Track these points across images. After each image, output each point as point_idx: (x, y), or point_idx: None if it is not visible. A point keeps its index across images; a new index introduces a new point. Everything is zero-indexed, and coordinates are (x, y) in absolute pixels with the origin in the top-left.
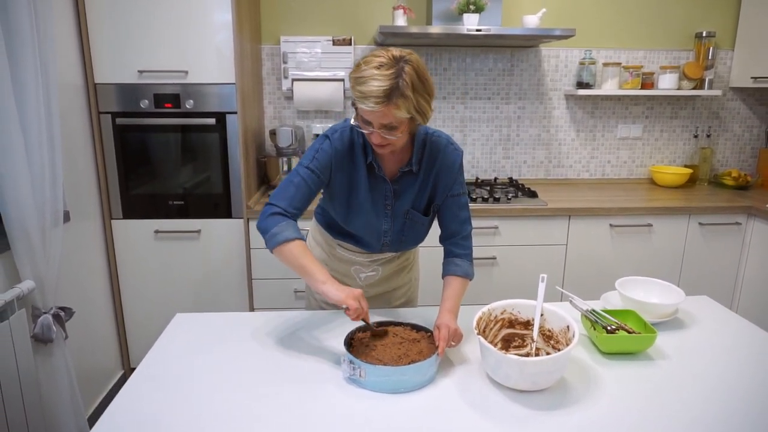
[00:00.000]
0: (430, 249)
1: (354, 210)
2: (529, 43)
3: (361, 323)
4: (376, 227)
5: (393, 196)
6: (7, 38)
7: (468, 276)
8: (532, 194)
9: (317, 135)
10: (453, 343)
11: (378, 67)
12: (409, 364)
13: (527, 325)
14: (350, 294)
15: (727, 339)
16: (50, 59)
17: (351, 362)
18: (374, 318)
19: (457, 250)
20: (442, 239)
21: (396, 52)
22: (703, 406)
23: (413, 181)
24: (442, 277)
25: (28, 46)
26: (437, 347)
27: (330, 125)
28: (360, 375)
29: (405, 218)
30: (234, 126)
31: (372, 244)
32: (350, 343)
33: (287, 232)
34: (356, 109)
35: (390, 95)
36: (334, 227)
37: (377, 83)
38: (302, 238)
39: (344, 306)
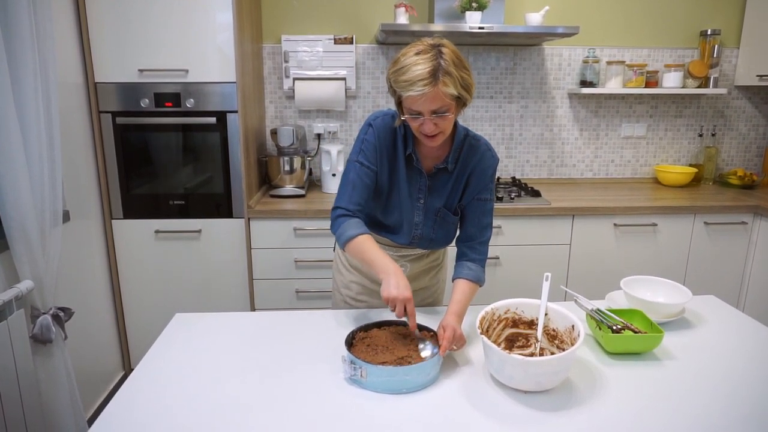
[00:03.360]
0: (455, 250)
1: (392, 196)
2: (532, 41)
3: (364, 322)
4: (409, 217)
5: (427, 190)
6: (7, 37)
7: (479, 281)
8: (536, 194)
9: (319, 134)
10: (455, 347)
11: (416, 54)
12: (411, 364)
13: (531, 324)
14: (396, 296)
15: (734, 339)
16: (50, 58)
17: (352, 362)
18: (378, 317)
19: (472, 254)
20: (459, 240)
21: (429, 40)
22: (711, 406)
23: (447, 179)
24: (453, 279)
25: (27, 45)
26: (440, 347)
27: (332, 125)
28: (361, 375)
29: (436, 216)
30: (235, 125)
31: (404, 234)
32: (351, 343)
33: (350, 231)
34: (400, 106)
35: (435, 74)
36: (368, 218)
37: (420, 67)
38: (365, 233)
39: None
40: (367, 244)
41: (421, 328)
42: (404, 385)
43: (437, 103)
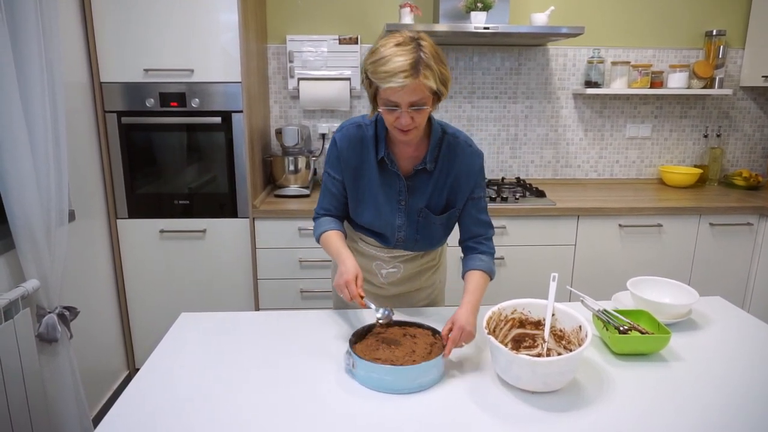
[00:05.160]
0: (458, 249)
1: (364, 203)
2: (536, 41)
3: (369, 322)
4: (390, 221)
5: (407, 191)
6: (13, 37)
7: (491, 272)
8: (540, 194)
9: (323, 134)
10: (463, 344)
11: (396, 45)
12: (415, 363)
13: (538, 325)
14: (339, 283)
15: (741, 340)
16: (56, 58)
17: (353, 361)
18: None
19: (481, 247)
20: (463, 241)
21: (408, 32)
22: (718, 406)
23: (427, 179)
24: (463, 274)
25: (33, 45)
26: (445, 347)
27: (336, 124)
28: (365, 375)
29: (418, 216)
30: (240, 125)
31: (387, 238)
32: (356, 342)
33: (320, 228)
34: (375, 98)
35: (417, 67)
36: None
37: (401, 58)
38: (334, 229)
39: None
40: (330, 239)
41: (423, 327)
42: (409, 384)
43: (417, 95)
